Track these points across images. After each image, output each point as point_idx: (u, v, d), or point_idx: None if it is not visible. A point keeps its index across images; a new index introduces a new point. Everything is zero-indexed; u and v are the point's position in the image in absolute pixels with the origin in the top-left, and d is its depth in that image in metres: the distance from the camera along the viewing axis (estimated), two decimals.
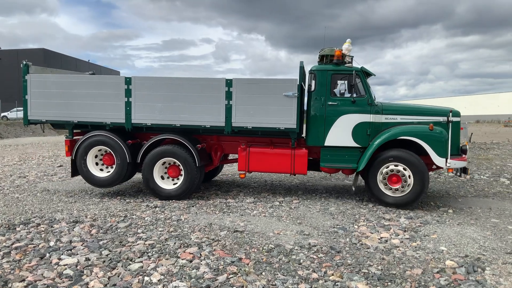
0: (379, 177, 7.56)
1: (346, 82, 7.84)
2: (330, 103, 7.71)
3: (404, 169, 7.39)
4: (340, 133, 7.70)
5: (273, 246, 5.36)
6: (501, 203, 8.18)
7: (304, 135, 8.16)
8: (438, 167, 7.69)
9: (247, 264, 4.75)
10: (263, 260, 4.91)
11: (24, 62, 8.11)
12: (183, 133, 7.99)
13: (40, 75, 8.25)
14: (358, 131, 7.67)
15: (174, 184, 7.98)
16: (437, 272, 4.67)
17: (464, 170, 7.69)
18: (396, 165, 7.44)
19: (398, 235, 5.99)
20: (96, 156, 8.27)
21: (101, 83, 8.03)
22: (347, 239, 5.75)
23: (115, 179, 8.10)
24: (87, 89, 7.99)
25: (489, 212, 7.45)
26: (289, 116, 7.51)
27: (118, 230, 6.01)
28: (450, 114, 7.68)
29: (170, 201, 7.88)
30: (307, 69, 8.17)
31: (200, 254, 5.01)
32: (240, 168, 8.01)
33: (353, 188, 7.99)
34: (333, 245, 5.45)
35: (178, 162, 7.87)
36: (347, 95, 7.76)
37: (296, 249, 5.28)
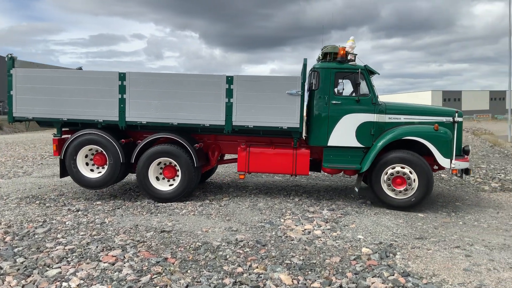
0: (383, 179, 7.37)
1: (350, 80, 7.83)
2: (334, 102, 7.50)
3: (410, 171, 7.24)
4: (344, 133, 7.50)
5: (200, 244, 5.39)
6: None
7: (304, 134, 8.01)
8: (440, 168, 7.69)
9: (173, 264, 4.73)
10: (189, 258, 4.92)
11: (10, 56, 7.53)
12: (179, 132, 7.75)
13: (27, 69, 7.79)
14: (362, 131, 7.47)
15: (170, 185, 7.74)
16: (354, 259, 5.00)
17: (466, 171, 7.60)
18: (402, 167, 7.28)
19: (321, 226, 6.31)
20: (86, 156, 7.91)
21: (93, 78, 7.65)
22: (273, 233, 5.95)
23: (107, 180, 7.77)
24: (78, 85, 7.62)
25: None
26: (292, 115, 7.31)
27: (36, 236, 5.67)
28: (456, 114, 7.61)
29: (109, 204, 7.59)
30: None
31: (124, 257, 4.90)
32: (239, 169, 7.80)
33: (356, 190, 7.68)
34: (259, 239, 5.60)
35: (174, 163, 7.64)
36: (346, 93, 7.67)
37: (223, 246, 5.36)
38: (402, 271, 4.64)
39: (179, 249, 5.22)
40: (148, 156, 7.60)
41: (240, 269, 4.60)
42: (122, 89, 7.52)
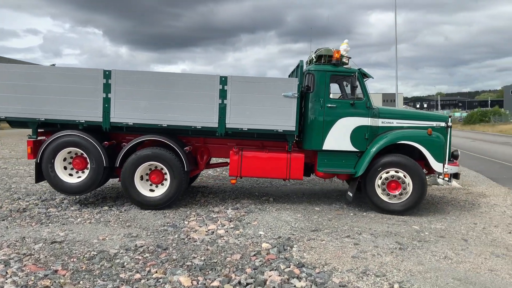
0: (378, 183, 7.35)
1: (344, 83, 7.79)
2: (329, 105, 7.39)
3: (404, 175, 7.26)
4: (339, 137, 7.39)
5: (95, 253, 5.10)
6: (311, 188, 9.48)
7: (295, 138, 7.72)
8: (430, 172, 7.80)
9: (63, 276, 4.41)
10: (83, 268, 4.63)
11: None
12: (167, 134, 7.30)
13: (2, 64, 7.18)
14: (357, 135, 7.40)
15: (155, 191, 7.30)
16: (254, 255, 5.15)
17: (455, 175, 7.65)
18: (396, 171, 7.30)
19: (224, 226, 6.39)
20: (65, 159, 7.29)
21: (75, 76, 7.05)
22: (176, 236, 5.86)
23: (88, 185, 7.22)
24: (58, 82, 7.01)
25: (302, 197, 8.55)
26: (288, 118, 7.13)
27: None
28: (450, 119, 7.78)
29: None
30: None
31: (6, 272, 4.44)
32: (231, 173, 7.49)
33: (351, 195, 7.57)
34: (161, 243, 5.48)
35: (163, 167, 7.20)
36: (335, 97, 7.63)
37: (121, 253, 5.14)
38: (297, 262, 4.90)
39: (71, 260, 4.89)
40: (135, 160, 7.16)
41: (138, 276, 4.46)
42: (106, 88, 7.03)
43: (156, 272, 4.56)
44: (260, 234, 5.98)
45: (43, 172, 7.26)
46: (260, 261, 4.95)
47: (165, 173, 7.25)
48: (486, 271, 4.84)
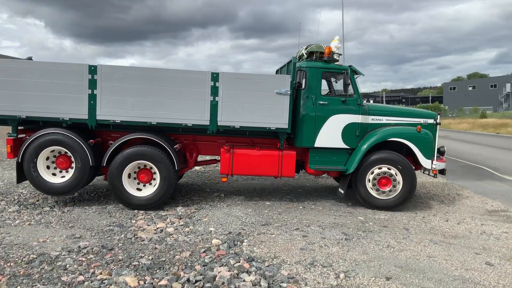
0: (368, 179, 7.38)
1: (332, 80, 7.69)
2: (321, 102, 7.32)
3: (395, 172, 7.32)
4: (330, 134, 7.36)
5: (35, 256, 4.83)
6: (262, 183, 9.57)
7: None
8: (417, 168, 7.80)
9: None
10: (21, 273, 4.37)
11: None
12: (155, 132, 7.08)
13: None
14: (348, 132, 7.39)
15: (144, 190, 7.05)
16: (204, 252, 5.11)
17: (441, 171, 7.78)
18: (387, 168, 7.34)
19: (174, 223, 6.28)
20: (47, 159, 6.95)
21: (59, 71, 6.68)
22: (122, 235, 5.68)
23: (73, 185, 6.92)
24: (41, 78, 6.65)
25: (253, 192, 8.60)
26: (280, 115, 7.02)
27: None
28: (438, 116, 7.92)
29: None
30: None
31: None
32: (222, 171, 7.34)
33: (342, 191, 7.53)
34: (106, 244, 5.29)
35: (152, 165, 6.97)
36: (323, 93, 7.51)
37: (63, 255, 4.91)
38: (247, 257, 4.93)
39: (8, 264, 4.59)
40: (123, 158, 6.87)
41: (81, 278, 4.27)
42: (92, 84, 6.71)
43: (101, 273, 4.39)
44: (211, 231, 5.95)
45: (24, 172, 6.92)
46: (210, 257, 4.92)
47: (154, 172, 7.06)
48: (425, 257, 5.13)
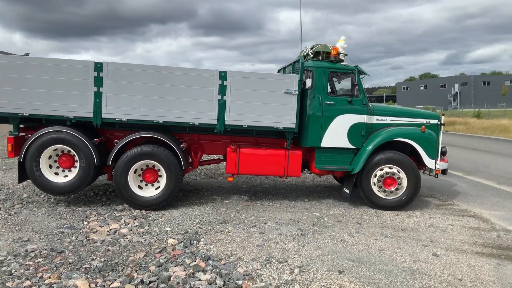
0: (373, 180, 7.40)
1: (334, 80, 7.72)
2: (328, 102, 7.28)
3: (399, 171, 7.36)
4: (337, 134, 7.33)
5: None
6: (221, 181, 9.54)
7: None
8: (420, 168, 7.76)
9: None
10: None
11: None
12: (160, 131, 6.98)
13: None
14: (354, 132, 7.39)
15: (150, 190, 6.95)
16: (159, 252, 5.03)
17: (443, 171, 7.81)
18: (390, 168, 7.38)
19: (128, 224, 6.13)
20: (50, 157, 6.77)
21: (63, 68, 6.52)
22: (73, 238, 5.48)
23: (78, 185, 6.78)
24: (44, 75, 6.47)
25: (211, 191, 8.56)
26: (288, 115, 6.99)
27: None
28: (442, 117, 7.93)
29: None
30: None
31: None
32: (228, 171, 7.27)
33: (347, 191, 7.49)
34: (55, 247, 5.09)
35: (159, 165, 6.86)
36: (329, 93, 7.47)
37: (9, 259, 4.66)
38: (203, 256, 4.90)
39: None
40: (130, 158, 6.74)
41: (28, 283, 4.08)
42: (98, 82, 6.56)
43: (50, 277, 4.22)
44: (167, 231, 5.86)
45: (27, 171, 6.72)
46: (165, 257, 4.85)
47: (160, 172, 6.94)
48: (376, 250, 5.32)
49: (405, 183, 7.39)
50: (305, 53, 7.89)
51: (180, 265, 4.63)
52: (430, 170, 7.73)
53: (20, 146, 6.77)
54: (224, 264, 4.70)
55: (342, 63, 7.60)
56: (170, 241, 5.42)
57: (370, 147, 7.33)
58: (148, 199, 6.89)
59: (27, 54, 7.82)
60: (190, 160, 7.63)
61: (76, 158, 6.78)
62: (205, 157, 9.01)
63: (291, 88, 6.98)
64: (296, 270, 4.55)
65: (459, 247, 5.56)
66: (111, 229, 5.87)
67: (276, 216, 6.73)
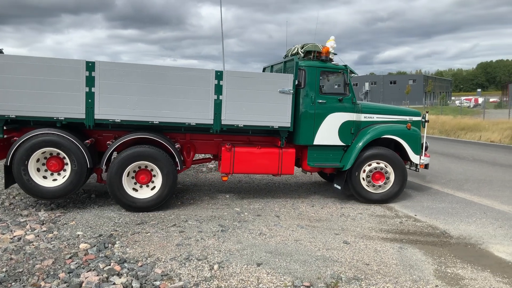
0: (362, 175, 7.66)
1: (330, 79, 7.91)
2: (320, 101, 7.44)
3: (387, 166, 7.67)
4: (328, 132, 7.53)
5: None
6: None
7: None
8: (405, 162, 8.01)
9: None
10: None
11: None
12: (154, 131, 6.86)
13: None
14: (344, 129, 7.61)
15: (145, 192, 6.79)
16: (70, 258, 4.73)
17: (426, 166, 8.18)
18: (378, 163, 7.66)
19: (35, 230, 5.67)
20: (37, 160, 6.48)
21: (52, 67, 6.26)
22: None
23: (69, 189, 6.51)
24: (32, 74, 6.22)
25: None
26: (283, 114, 7.11)
27: None
28: (426, 114, 8.27)
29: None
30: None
31: None
32: (223, 170, 7.24)
33: (339, 187, 7.74)
34: None
35: (153, 166, 6.71)
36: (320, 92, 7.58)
37: None
38: (119, 259, 4.71)
39: None
40: (124, 160, 6.55)
41: None
42: (90, 81, 6.35)
43: None
44: (78, 235, 5.52)
45: (14, 176, 6.39)
46: (76, 263, 4.56)
47: (152, 171, 6.79)
48: (292, 241, 5.54)
49: (392, 177, 7.77)
50: (293, 52, 8.04)
51: (93, 270, 4.39)
52: (415, 165, 8.18)
53: (4, 150, 6.49)
54: (141, 266, 4.56)
55: (333, 62, 7.84)
56: (82, 245, 5.11)
57: (360, 144, 7.62)
58: (144, 200, 6.74)
59: (1, 51, 7.16)
60: (183, 160, 7.44)
61: (66, 161, 6.50)
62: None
63: (286, 87, 7.10)
64: (216, 266, 4.58)
65: (367, 234, 6.01)
66: (14, 236, 5.39)
67: (197, 214, 6.69)
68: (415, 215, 7.02)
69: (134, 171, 6.77)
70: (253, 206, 7.37)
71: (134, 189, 6.76)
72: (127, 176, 6.69)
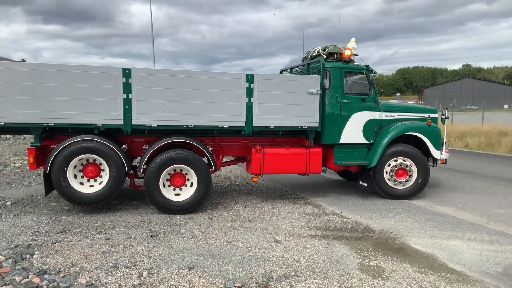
0: (386, 171, 8.07)
1: (353, 80, 8.19)
2: (345, 101, 7.76)
3: (411, 163, 8.08)
4: (353, 131, 7.85)
5: None
6: None
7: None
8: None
9: None
10: None
11: None
12: (186, 135, 7.06)
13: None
14: (368, 128, 7.95)
15: (181, 195, 6.95)
16: None
17: (445, 161, 8.54)
18: (404, 160, 8.07)
19: None
20: (74, 167, 6.48)
21: (89, 75, 6.31)
22: None
23: (108, 195, 6.58)
24: (69, 82, 6.25)
25: (49, 197, 7.70)
26: (312, 114, 7.40)
27: None
28: (446, 111, 8.66)
29: None
30: None
31: None
32: (254, 171, 7.48)
33: (365, 184, 8.17)
34: None
35: (188, 169, 6.89)
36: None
37: None
38: (38, 270, 4.37)
39: None
40: (160, 164, 6.70)
41: None
42: (127, 88, 6.52)
43: None
44: None
45: (53, 183, 6.43)
46: None
47: (187, 174, 6.97)
48: (225, 243, 5.53)
49: (415, 174, 8.17)
50: (313, 55, 8.36)
51: (8, 284, 4.04)
52: (435, 160, 8.56)
53: (41, 158, 6.56)
54: (63, 276, 4.28)
55: (355, 63, 8.13)
56: None
57: (385, 141, 7.98)
58: (180, 203, 6.88)
59: (23, 60, 7.35)
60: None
61: (102, 167, 6.63)
62: None
63: (314, 88, 7.35)
64: (145, 273, 4.43)
65: (297, 232, 6.18)
66: None
67: (125, 219, 6.43)
68: (341, 212, 7.37)
69: (169, 174, 6.91)
70: None
71: (169, 191, 6.90)
72: (164, 179, 6.85)
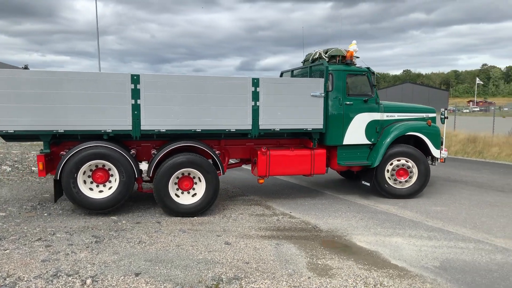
0: (387, 170, 8.25)
1: (354, 81, 8.18)
2: (347, 102, 7.91)
3: (412, 165, 8.27)
4: (356, 132, 8.00)
5: None
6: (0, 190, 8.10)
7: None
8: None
9: None
10: None
11: None
12: (193, 139, 7.10)
13: (7, 70, 6.13)
14: (370, 129, 8.12)
15: (192, 197, 7.01)
16: None
17: (444, 159, 8.77)
18: (406, 160, 8.26)
19: None
20: (83, 173, 6.54)
21: (98, 81, 6.39)
22: None
23: (118, 200, 6.68)
24: (78, 89, 6.31)
25: None
26: (316, 116, 7.54)
27: None
28: (446, 111, 8.83)
29: None
30: None
31: None
32: (260, 173, 7.60)
33: (368, 184, 8.29)
34: None
35: (197, 173, 6.93)
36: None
37: None
38: None
39: None
40: (169, 168, 6.77)
41: None
42: (135, 94, 6.53)
43: None
44: None
45: (63, 189, 6.46)
46: None
47: (194, 178, 7.06)
48: (174, 247, 5.43)
49: (416, 174, 8.37)
50: (314, 57, 8.47)
51: None
52: (435, 159, 8.74)
53: (50, 164, 6.56)
54: None
55: (356, 65, 8.23)
56: None
57: (387, 141, 8.17)
58: (190, 206, 6.94)
59: (26, 66, 7.34)
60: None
61: (111, 172, 6.67)
62: None
63: (318, 91, 7.49)
64: (89, 281, 4.24)
65: (247, 233, 6.21)
66: None
67: (67, 225, 6.13)
68: (290, 212, 7.50)
69: (177, 178, 6.94)
70: (132, 213, 7.04)
71: (176, 195, 6.96)
72: (172, 183, 6.89)
